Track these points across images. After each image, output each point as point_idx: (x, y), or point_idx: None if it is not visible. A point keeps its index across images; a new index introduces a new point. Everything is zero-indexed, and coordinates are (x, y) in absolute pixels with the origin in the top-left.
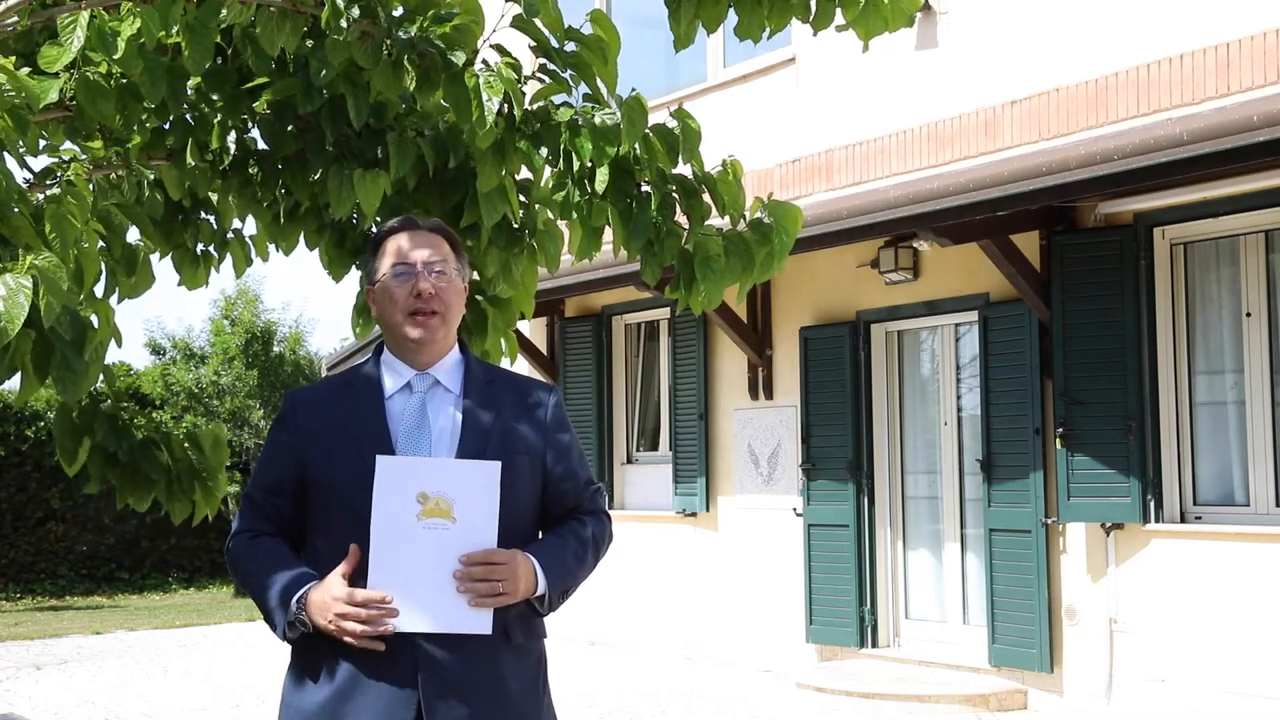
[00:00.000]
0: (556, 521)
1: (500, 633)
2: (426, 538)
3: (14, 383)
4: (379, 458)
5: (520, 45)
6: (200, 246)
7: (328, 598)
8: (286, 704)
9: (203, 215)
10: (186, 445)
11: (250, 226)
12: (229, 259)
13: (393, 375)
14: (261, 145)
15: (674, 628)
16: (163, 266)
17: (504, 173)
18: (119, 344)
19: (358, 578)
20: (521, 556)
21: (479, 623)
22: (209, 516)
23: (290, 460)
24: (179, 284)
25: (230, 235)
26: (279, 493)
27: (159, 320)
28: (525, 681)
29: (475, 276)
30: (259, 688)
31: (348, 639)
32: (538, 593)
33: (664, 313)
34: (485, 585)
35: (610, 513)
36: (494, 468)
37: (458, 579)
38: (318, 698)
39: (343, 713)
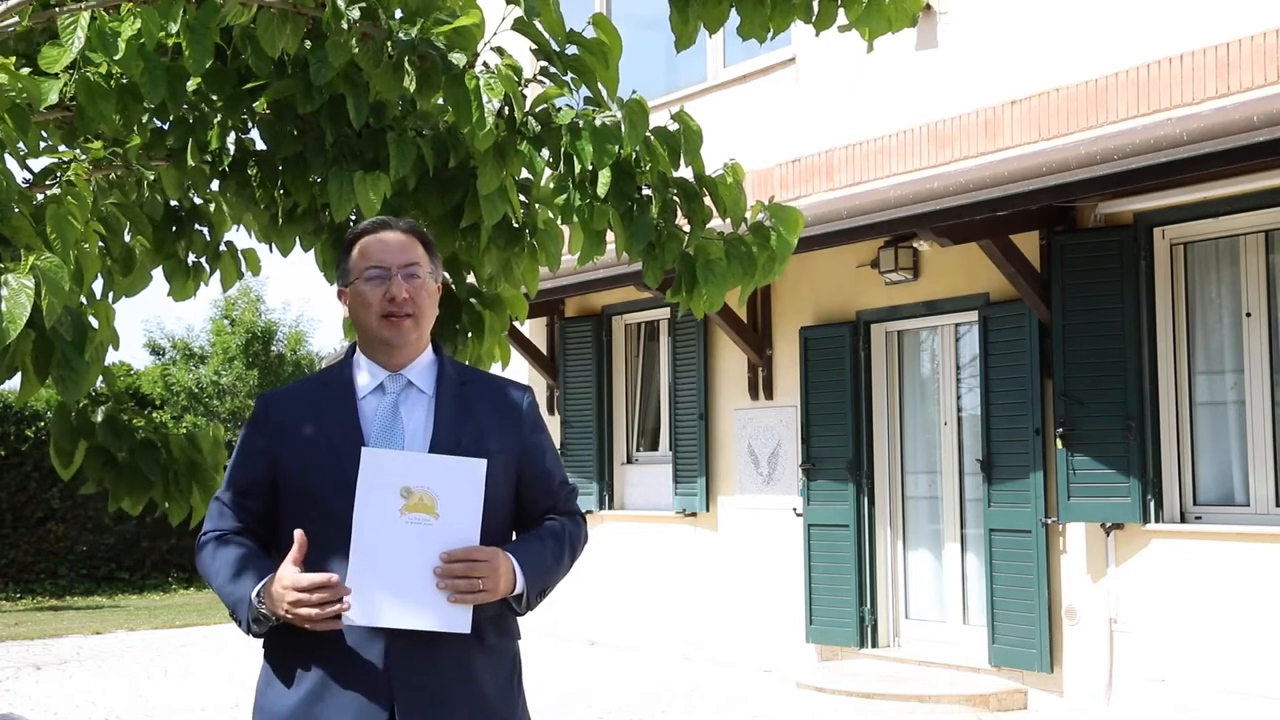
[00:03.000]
0: (531, 522)
1: (473, 633)
2: (408, 533)
3: (14, 383)
4: (364, 450)
5: (521, 48)
6: (192, 258)
7: (279, 587)
8: (259, 706)
9: (196, 226)
10: (186, 445)
11: (244, 237)
12: (217, 271)
13: (365, 376)
14: (261, 146)
15: (674, 628)
16: (158, 271)
17: (504, 174)
18: (115, 347)
19: (327, 567)
20: (502, 555)
21: (458, 621)
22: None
23: (262, 462)
24: (168, 294)
25: (223, 248)
26: (250, 494)
27: (158, 320)
28: (499, 682)
29: (471, 279)
30: None
31: (307, 625)
32: (516, 591)
33: (664, 313)
34: (465, 582)
35: (606, 513)
36: (479, 465)
37: (438, 575)
38: (290, 700)
39: (315, 714)
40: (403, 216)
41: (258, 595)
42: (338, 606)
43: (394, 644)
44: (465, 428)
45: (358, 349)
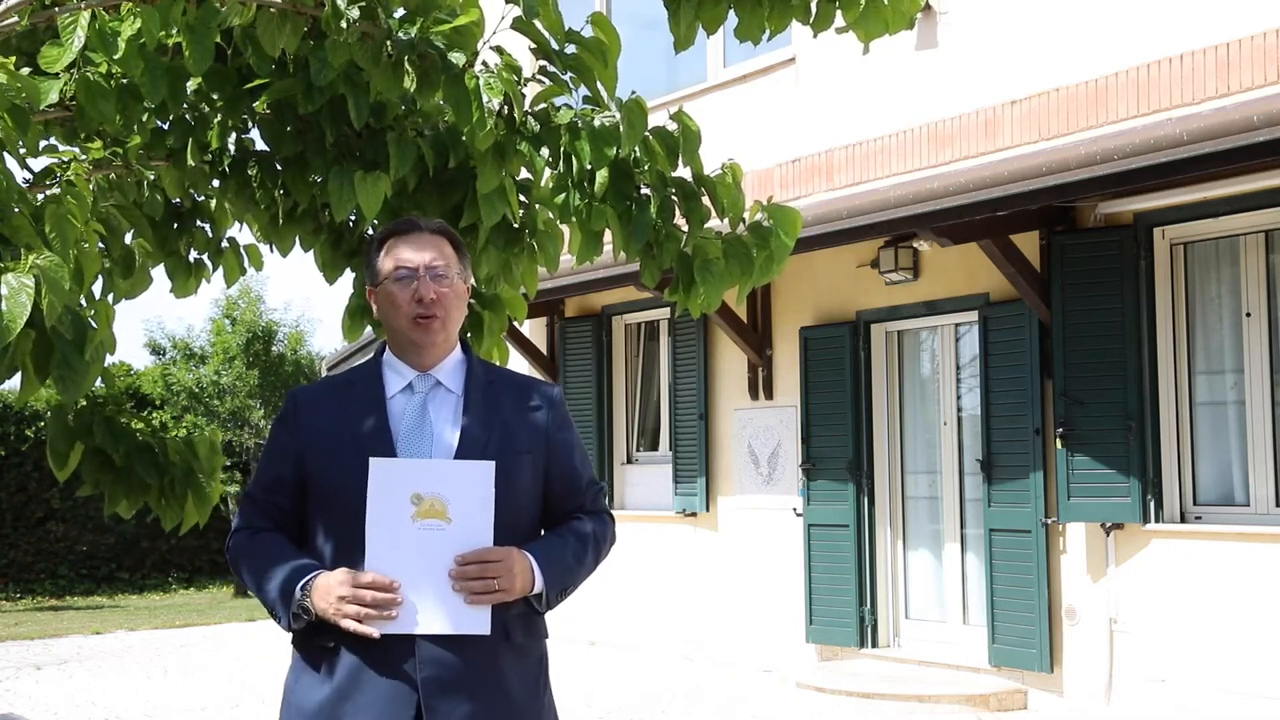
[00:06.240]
0: (559, 520)
1: (501, 632)
2: (422, 538)
3: (14, 382)
4: (372, 460)
5: (520, 47)
6: (194, 255)
7: (333, 582)
8: (287, 703)
9: (198, 223)
10: (183, 449)
11: (246, 234)
12: (220, 268)
13: (394, 375)
14: (261, 146)
15: (674, 628)
16: (160, 269)
17: (504, 174)
18: (111, 351)
19: (350, 565)
20: (517, 553)
21: (477, 622)
22: (200, 524)
23: (291, 459)
24: (170, 291)
25: (225, 244)
26: (279, 491)
27: (159, 320)
28: (526, 681)
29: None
30: (259, 688)
31: (345, 622)
32: (535, 590)
33: (664, 313)
34: (480, 584)
35: (613, 513)
36: (488, 467)
37: (453, 578)
38: (318, 696)
39: (343, 712)
40: (405, 217)
41: (303, 589)
42: (387, 612)
43: (421, 641)
44: (493, 427)
45: (387, 348)
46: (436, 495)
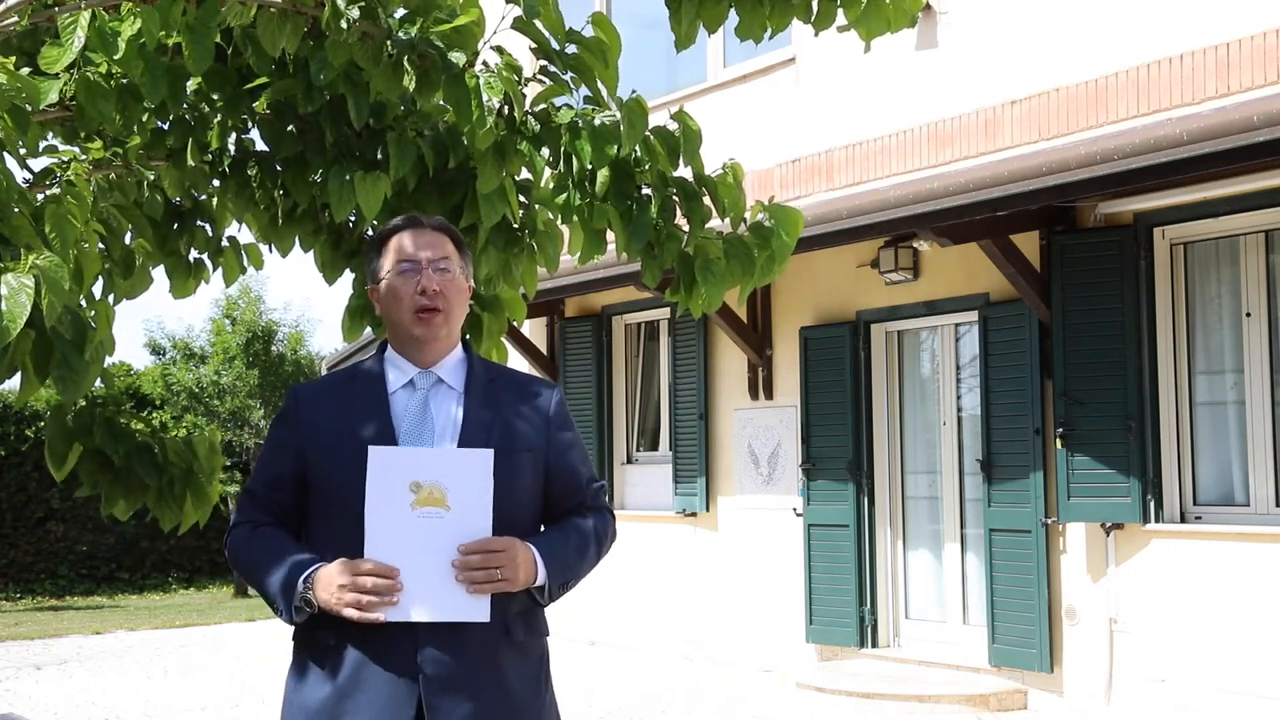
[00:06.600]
0: (559, 518)
1: (502, 630)
2: (421, 526)
3: (14, 382)
4: (371, 448)
5: (521, 47)
6: (194, 255)
7: (333, 572)
8: (289, 701)
9: (198, 223)
10: (182, 449)
11: (245, 233)
12: (219, 268)
13: (396, 372)
14: (261, 146)
15: (674, 628)
16: (160, 268)
17: (504, 174)
18: (111, 351)
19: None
20: (521, 545)
21: (477, 610)
22: (200, 524)
23: (291, 455)
24: (169, 291)
25: (225, 244)
26: (280, 487)
27: (159, 320)
28: (527, 679)
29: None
30: (259, 688)
31: (347, 611)
32: (537, 582)
33: (664, 313)
34: (483, 573)
35: (613, 510)
36: (486, 455)
37: (456, 567)
38: (319, 694)
39: (344, 709)
40: (406, 215)
41: (305, 582)
42: (387, 599)
43: (423, 638)
44: (494, 424)
45: (388, 345)
46: (435, 483)
